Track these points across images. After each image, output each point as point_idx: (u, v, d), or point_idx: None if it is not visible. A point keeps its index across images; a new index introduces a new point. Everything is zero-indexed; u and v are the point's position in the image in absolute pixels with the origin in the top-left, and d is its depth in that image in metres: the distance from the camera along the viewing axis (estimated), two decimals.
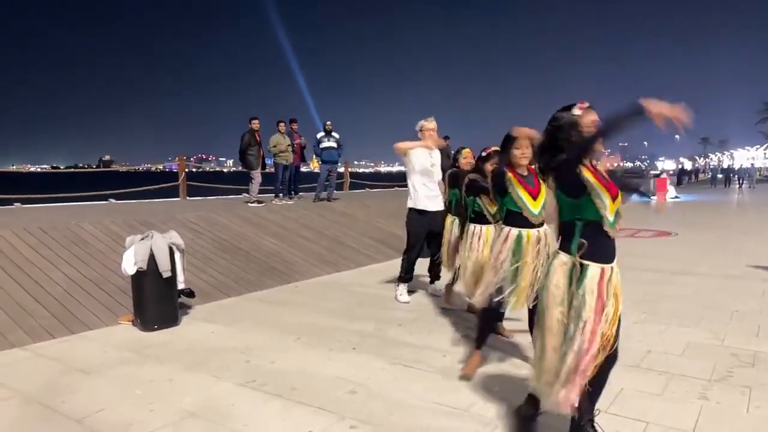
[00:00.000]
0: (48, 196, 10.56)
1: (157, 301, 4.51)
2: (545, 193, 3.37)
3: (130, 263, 4.43)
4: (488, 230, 4.19)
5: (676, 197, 22.09)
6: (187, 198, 11.30)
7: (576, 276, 2.28)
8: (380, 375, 3.54)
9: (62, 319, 4.55)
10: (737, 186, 36.09)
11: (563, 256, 2.33)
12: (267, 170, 10.63)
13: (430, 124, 5.30)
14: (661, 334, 4.29)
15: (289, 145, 10.40)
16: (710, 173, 48.84)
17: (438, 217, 5.29)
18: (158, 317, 4.53)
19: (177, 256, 4.69)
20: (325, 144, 10.59)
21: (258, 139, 10.05)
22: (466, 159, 4.93)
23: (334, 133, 10.63)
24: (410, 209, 5.41)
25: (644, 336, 4.24)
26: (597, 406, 2.49)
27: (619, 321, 2.35)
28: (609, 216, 2.26)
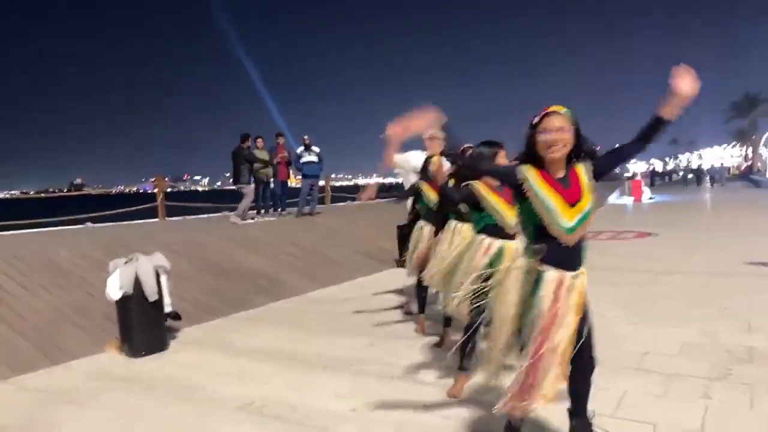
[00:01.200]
0: (21, 222, 10.23)
1: (144, 326, 4.38)
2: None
3: (115, 288, 4.30)
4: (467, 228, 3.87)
5: (651, 198, 22.49)
6: (166, 218, 11.09)
7: (532, 281, 2.27)
8: (380, 393, 3.47)
9: (45, 349, 4.38)
10: (709, 185, 36.94)
11: (521, 260, 2.33)
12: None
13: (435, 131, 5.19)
14: (655, 335, 4.31)
15: (271, 161, 10.33)
16: (682, 173, 50.01)
17: None
18: (146, 343, 4.39)
19: (163, 278, 4.56)
20: (306, 158, 10.56)
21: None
22: (437, 166, 4.52)
23: (314, 147, 10.62)
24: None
25: (639, 337, 4.25)
26: (603, 410, 2.45)
27: (589, 331, 2.30)
28: (561, 222, 2.20)
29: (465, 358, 3.34)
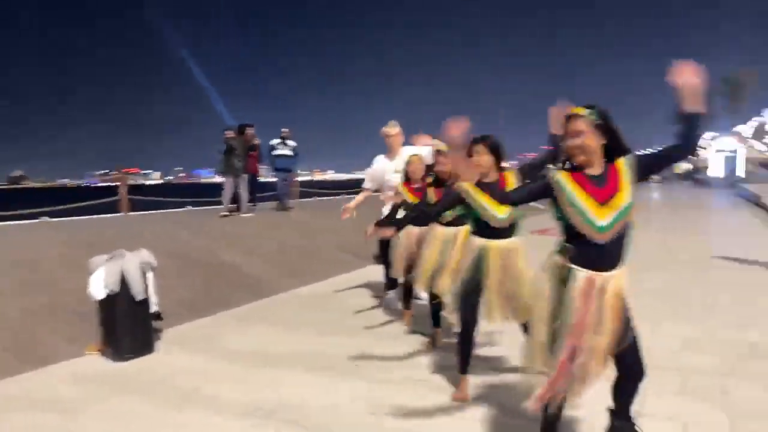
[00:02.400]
0: None
1: (130, 327, 4.09)
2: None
3: (99, 287, 4.00)
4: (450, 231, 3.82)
5: None
6: (130, 213, 10.57)
7: (563, 279, 2.23)
8: (391, 396, 3.34)
9: (19, 353, 4.03)
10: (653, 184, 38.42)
11: (555, 257, 2.28)
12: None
13: (390, 129, 5.14)
14: (653, 332, 4.35)
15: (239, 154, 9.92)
16: None
17: None
18: (132, 345, 4.10)
19: (149, 276, 4.28)
20: (280, 151, 10.23)
21: (233, 146, 9.39)
22: (414, 165, 4.38)
23: (289, 141, 10.29)
24: None
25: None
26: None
27: (634, 337, 2.25)
28: (592, 220, 2.15)
29: (463, 361, 3.25)
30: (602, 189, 2.17)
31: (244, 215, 9.38)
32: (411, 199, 4.24)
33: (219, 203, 10.21)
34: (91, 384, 3.62)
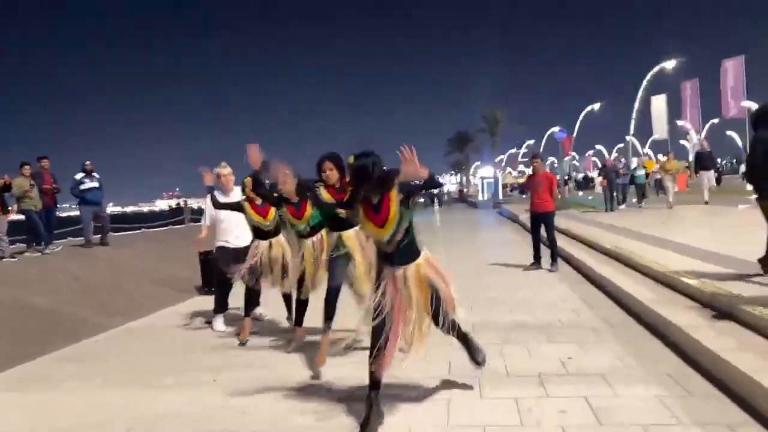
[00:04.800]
0: None
1: None
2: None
3: None
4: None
5: None
6: None
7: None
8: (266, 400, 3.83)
9: None
10: (437, 207, 43.41)
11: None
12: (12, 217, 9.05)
13: (223, 170, 5.81)
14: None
15: (33, 187, 9.12)
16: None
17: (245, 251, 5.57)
18: None
19: None
20: (89, 185, 9.79)
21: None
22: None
23: (94, 173, 9.96)
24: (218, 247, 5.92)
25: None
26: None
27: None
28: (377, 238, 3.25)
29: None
30: (378, 214, 3.19)
31: (45, 252, 8.66)
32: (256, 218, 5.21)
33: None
34: None
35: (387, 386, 3.36)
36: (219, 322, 5.85)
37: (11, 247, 8.79)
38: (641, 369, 3.92)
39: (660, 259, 6.80)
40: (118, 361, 4.94)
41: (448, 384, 3.76)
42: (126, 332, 6.12)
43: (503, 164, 53.47)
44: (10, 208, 8.78)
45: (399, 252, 3.20)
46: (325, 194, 4.27)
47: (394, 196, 3.15)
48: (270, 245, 5.21)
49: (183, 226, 16.33)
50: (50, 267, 7.98)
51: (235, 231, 5.79)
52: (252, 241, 5.38)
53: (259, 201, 5.11)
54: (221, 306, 5.88)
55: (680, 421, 3.07)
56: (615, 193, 17.06)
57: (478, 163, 60.60)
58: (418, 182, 3.26)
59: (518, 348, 4.53)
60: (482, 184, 44.29)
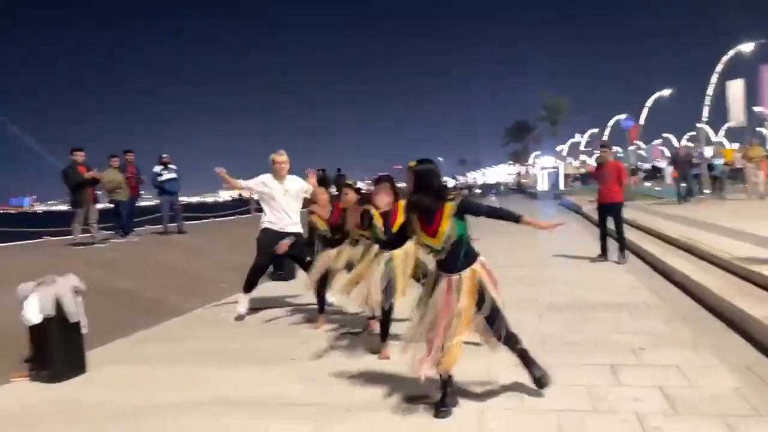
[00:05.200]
0: None
1: (65, 349, 4.28)
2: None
3: (35, 311, 4.14)
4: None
5: None
6: None
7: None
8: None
9: None
10: (493, 198, 42.98)
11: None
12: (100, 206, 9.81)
13: (279, 157, 5.98)
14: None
15: (128, 178, 9.97)
16: (464, 190, 57.80)
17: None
18: (66, 366, 4.29)
19: (79, 299, 4.48)
20: (167, 176, 10.49)
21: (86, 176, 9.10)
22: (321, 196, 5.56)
23: (171, 165, 10.62)
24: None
25: None
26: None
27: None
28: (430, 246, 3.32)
29: (384, 332, 4.40)
30: (430, 225, 3.28)
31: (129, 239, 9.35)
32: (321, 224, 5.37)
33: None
34: (33, 409, 3.76)
35: (460, 371, 3.48)
36: (243, 304, 6.03)
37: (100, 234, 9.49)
38: (717, 360, 3.87)
39: (734, 250, 6.57)
40: (198, 341, 5.29)
41: (519, 370, 3.81)
42: (204, 314, 6.52)
43: (564, 154, 52.03)
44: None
45: (452, 259, 3.26)
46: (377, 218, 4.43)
47: (448, 209, 3.23)
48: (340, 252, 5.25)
49: (249, 215, 16.95)
50: (133, 253, 8.56)
51: (281, 214, 5.96)
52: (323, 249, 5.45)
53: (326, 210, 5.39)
54: (249, 286, 6.05)
55: (760, 413, 3.04)
56: (688, 184, 16.10)
57: (537, 152, 59.29)
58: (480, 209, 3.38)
59: (589, 338, 4.54)
60: (542, 174, 43.31)
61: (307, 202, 5.92)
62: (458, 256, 3.26)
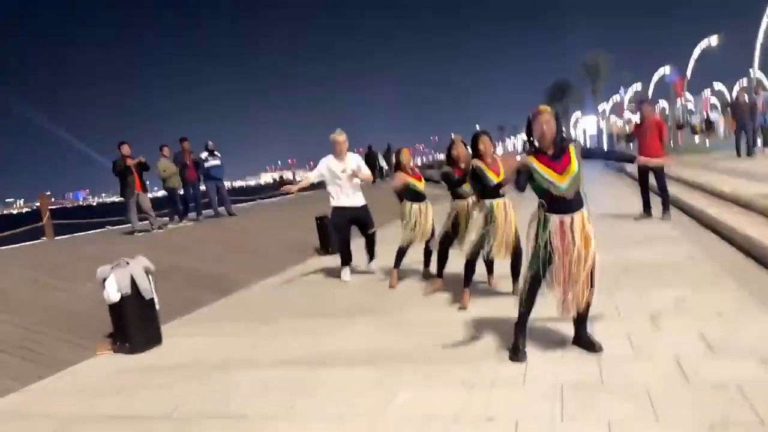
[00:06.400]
0: None
1: (142, 324, 4.72)
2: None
3: (114, 291, 4.58)
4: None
5: None
6: (55, 238, 10.53)
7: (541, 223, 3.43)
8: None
9: (33, 362, 4.49)
10: None
11: (536, 211, 3.48)
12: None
13: (339, 137, 6.25)
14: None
15: (184, 166, 10.65)
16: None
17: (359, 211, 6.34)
18: (146, 338, 4.73)
19: (150, 278, 4.91)
20: (212, 162, 11.07)
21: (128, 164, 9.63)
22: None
23: (216, 152, 11.14)
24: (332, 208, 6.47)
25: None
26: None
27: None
28: (557, 184, 3.35)
29: (466, 277, 4.84)
30: (557, 163, 3.36)
31: (186, 224, 9.98)
32: (413, 181, 5.83)
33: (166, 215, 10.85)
34: (131, 375, 4.20)
35: (502, 325, 3.68)
36: (346, 273, 6.58)
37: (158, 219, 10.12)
38: (758, 307, 3.95)
39: None
40: (266, 310, 5.70)
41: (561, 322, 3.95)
42: (267, 286, 6.93)
43: (607, 114, 50.32)
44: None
45: (570, 199, 3.35)
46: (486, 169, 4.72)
47: (573, 149, 3.41)
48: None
49: (292, 195, 17.44)
50: (194, 235, 9.08)
51: (348, 190, 6.29)
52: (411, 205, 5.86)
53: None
54: (347, 259, 6.56)
55: None
56: (748, 134, 14.09)
57: (578, 113, 57.62)
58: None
59: (629, 291, 4.66)
60: (584, 136, 42.28)
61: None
62: (576, 198, 3.37)
